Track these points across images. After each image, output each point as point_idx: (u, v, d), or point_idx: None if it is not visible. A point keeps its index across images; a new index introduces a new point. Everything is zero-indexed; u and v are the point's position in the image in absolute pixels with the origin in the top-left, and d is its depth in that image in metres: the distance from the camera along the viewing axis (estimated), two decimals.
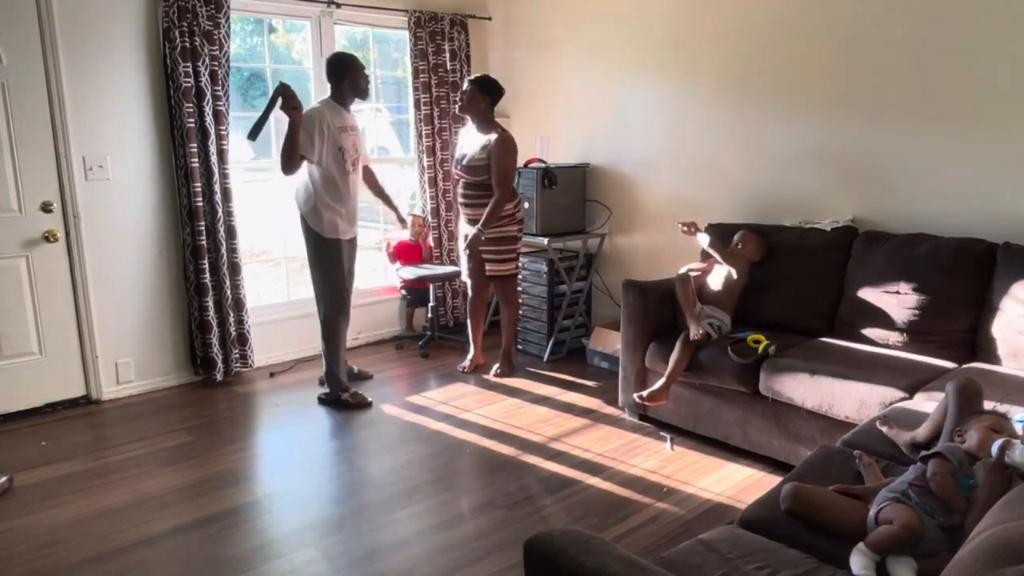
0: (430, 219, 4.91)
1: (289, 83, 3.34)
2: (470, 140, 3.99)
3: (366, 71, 3.64)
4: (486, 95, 3.91)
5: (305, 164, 3.53)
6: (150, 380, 4.01)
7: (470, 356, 4.36)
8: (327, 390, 3.84)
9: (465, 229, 4.11)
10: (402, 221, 4.15)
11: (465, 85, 3.95)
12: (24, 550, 2.49)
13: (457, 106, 4.00)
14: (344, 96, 3.59)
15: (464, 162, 3.96)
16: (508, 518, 2.67)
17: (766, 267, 3.47)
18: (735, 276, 3.40)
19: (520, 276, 4.41)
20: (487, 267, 4.11)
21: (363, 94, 3.65)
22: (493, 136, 3.89)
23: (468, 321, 4.37)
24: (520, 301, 4.48)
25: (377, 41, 4.98)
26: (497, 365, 4.26)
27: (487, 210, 3.90)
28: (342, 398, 3.78)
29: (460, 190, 4.07)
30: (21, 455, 3.23)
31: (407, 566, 2.38)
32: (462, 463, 3.14)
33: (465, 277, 4.32)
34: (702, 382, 3.21)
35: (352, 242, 3.80)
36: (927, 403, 2.44)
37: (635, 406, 3.41)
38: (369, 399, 3.82)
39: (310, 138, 3.44)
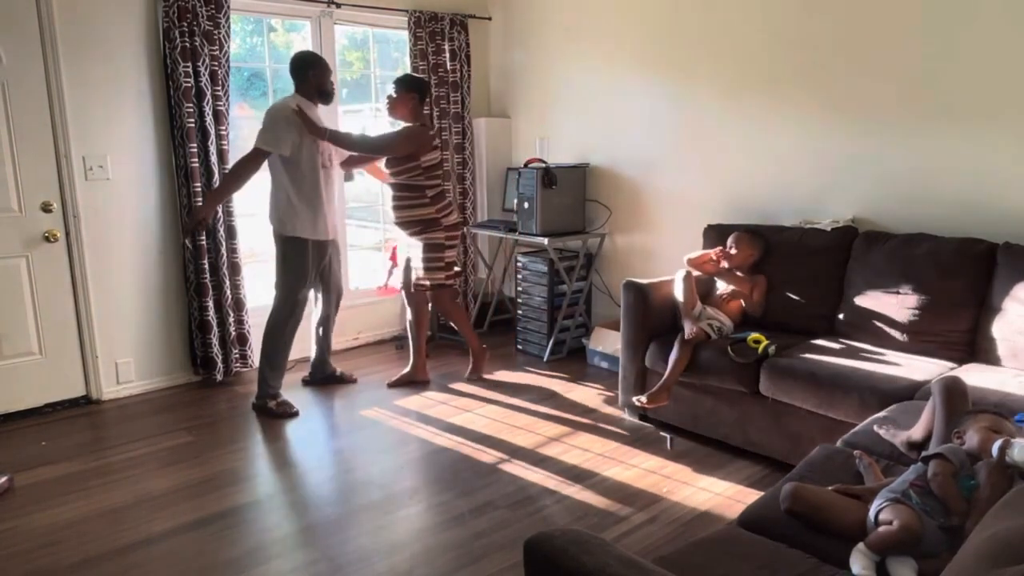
0: None
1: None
2: None
3: (331, 74, 3.62)
4: (414, 92, 3.79)
5: (272, 168, 3.49)
6: (150, 380, 4.01)
7: (407, 369, 4.12)
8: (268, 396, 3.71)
9: (402, 240, 3.94)
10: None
11: (391, 88, 3.81)
12: (24, 550, 2.49)
13: (386, 108, 3.81)
14: (310, 93, 3.56)
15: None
16: (508, 518, 2.68)
17: (766, 267, 3.47)
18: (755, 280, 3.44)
19: (454, 285, 4.11)
20: (414, 275, 3.96)
21: (327, 96, 3.62)
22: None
23: (408, 330, 4.14)
24: (451, 304, 4.09)
25: (377, 41, 4.98)
26: (469, 370, 4.19)
27: (356, 134, 3.75)
28: (268, 405, 3.66)
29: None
30: (21, 455, 3.23)
31: (407, 566, 2.38)
32: (462, 463, 3.14)
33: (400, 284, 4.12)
34: (702, 382, 3.21)
35: (332, 244, 3.75)
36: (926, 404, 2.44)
37: (635, 406, 3.41)
38: (295, 409, 3.69)
39: (279, 131, 3.41)
